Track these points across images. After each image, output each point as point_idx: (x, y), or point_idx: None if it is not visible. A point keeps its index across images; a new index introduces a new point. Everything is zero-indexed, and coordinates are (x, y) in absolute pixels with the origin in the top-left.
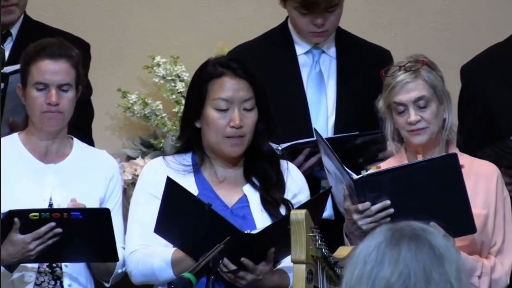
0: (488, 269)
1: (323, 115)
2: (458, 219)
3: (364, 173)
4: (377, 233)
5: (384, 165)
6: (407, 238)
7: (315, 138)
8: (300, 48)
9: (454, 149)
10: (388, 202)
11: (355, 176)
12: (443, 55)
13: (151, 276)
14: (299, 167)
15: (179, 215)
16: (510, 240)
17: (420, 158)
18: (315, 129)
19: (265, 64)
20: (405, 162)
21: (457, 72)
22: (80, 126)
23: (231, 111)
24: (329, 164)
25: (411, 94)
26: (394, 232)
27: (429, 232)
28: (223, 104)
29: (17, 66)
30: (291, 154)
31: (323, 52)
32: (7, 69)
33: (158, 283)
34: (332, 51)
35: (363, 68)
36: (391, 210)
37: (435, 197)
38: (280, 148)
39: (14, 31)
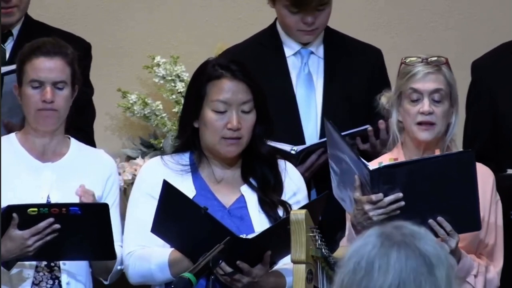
0: (483, 268)
1: (313, 116)
2: (465, 215)
3: (381, 164)
4: (366, 239)
5: (380, 160)
6: (396, 246)
7: (345, 133)
8: (289, 50)
9: None
10: (400, 194)
11: (371, 167)
12: (442, 55)
13: (149, 277)
14: (311, 165)
15: (176, 218)
16: (501, 242)
17: (432, 154)
18: (325, 119)
19: (255, 67)
20: (402, 158)
21: (456, 72)
22: (81, 126)
23: (229, 113)
24: (337, 154)
25: (431, 84)
26: (383, 239)
27: (418, 238)
28: (222, 106)
29: (12, 66)
30: (306, 155)
31: (312, 53)
32: (3, 69)
33: (155, 283)
34: (320, 51)
35: (353, 67)
36: (402, 203)
37: (446, 192)
38: (295, 150)
39: (15, 31)
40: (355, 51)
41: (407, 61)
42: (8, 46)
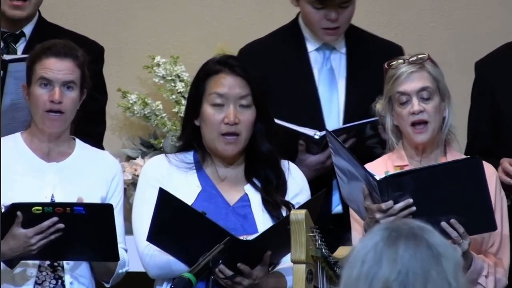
0: (493, 268)
1: (334, 112)
2: (480, 216)
3: (387, 173)
4: (374, 233)
5: (380, 161)
6: (404, 237)
7: (349, 125)
8: (311, 45)
9: (452, 151)
10: (410, 200)
11: (378, 177)
12: (443, 55)
13: (167, 269)
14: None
15: (173, 225)
16: (507, 240)
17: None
18: (326, 129)
19: (277, 61)
20: (404, 159)
21: (456, 72)
22: (92, 135)
23: (226, 107)
24: (342, 163)
25: (416, 84)
26: (391, 231)
27: (426, 231)
28: (219, 99)
29: (18, 55)
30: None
31: (334, 49)
32: (7, 56)
33: (173, 275)
34: (343, 47)
35: (374, 64)
36: (413, 208)
37: (456, 196)
38: (318, 135)
39: (27, 32)
40: (376, 47)
41: (389, 65)
42: (20, 46)
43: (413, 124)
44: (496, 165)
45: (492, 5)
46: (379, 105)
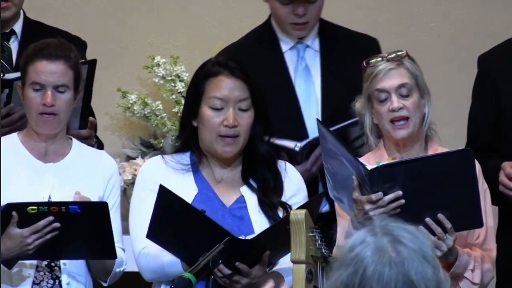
0: (479, 261)
1: (313, 109)
2: (467, 212)
3: (379, 163)
4: (363, 250)
5: (363, 160)
6: (388, 265)
7: (334, 128)
8: (285, 45)
9: (434, 146)
10: (400, 192)
11: (369, 167)
12: (442, 55)
13: (161, 272)
14: (316, 159)
15: (173, 222)
16: (492, 232)
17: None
18: (317, 119)
19: (253, 64)
20: (385, 156)
21: (456, 72)
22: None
23: (225, 110)
24: (331, 156)
25: (394, 81)
26: (379, 256)
27: (410, 260)
28: (218, 103)
29: (15, 75)
30: (310, 150)
31: (308, 46)
32: (9, 75)
33: (168, 278)
34: (316, 44)
35: (349, 58)
36: (402, 201)
37: (446, 190)
38: (299, 147)
39: (18, 30)
40: (350, 41)
41: (368, 63)
42: (13, 45)
43: (392, 121)
44: (497, 162)
45: (492, 5)
46: (358, 104)
